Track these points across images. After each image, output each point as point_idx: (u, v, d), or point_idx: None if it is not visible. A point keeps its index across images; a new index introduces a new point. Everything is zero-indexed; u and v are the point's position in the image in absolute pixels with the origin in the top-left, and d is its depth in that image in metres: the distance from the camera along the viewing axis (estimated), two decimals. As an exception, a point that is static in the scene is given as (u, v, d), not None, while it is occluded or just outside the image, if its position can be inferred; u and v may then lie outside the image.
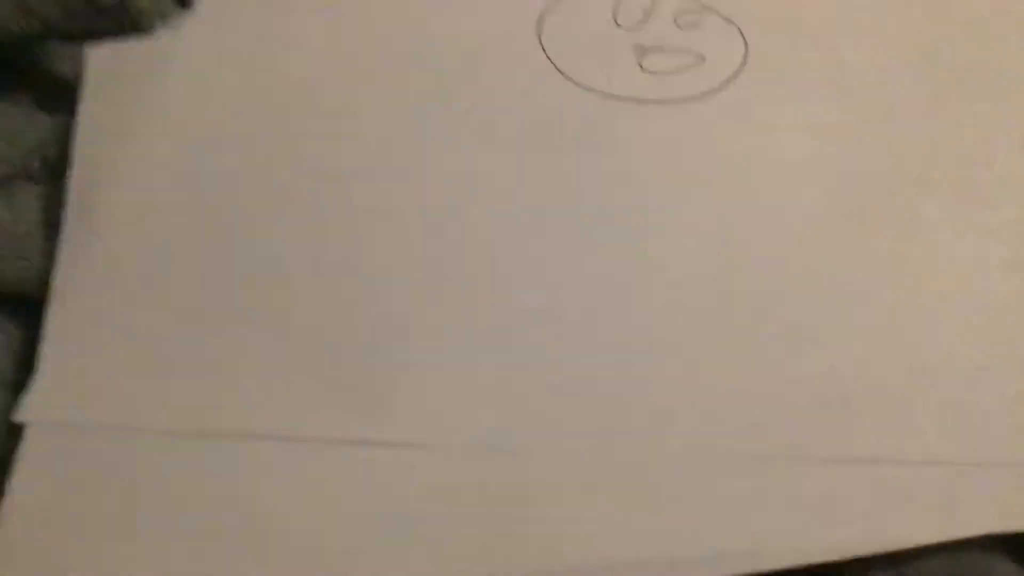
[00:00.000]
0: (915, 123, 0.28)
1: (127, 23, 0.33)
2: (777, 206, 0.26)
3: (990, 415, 0.22)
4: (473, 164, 0.28)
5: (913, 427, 0.22)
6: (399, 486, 0.22)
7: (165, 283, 0.25)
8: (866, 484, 0.21)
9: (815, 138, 0.28)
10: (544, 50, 0.30)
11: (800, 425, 0.22)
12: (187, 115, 0.29)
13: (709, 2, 0.32)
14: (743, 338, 0.24)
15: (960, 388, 0.23)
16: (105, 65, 0.30)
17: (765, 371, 0.23)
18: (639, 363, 0.23)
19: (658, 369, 0.23)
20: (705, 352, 0.24)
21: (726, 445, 0.22)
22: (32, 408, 0.22)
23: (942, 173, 0.27)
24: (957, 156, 0.27)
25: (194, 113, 0.29)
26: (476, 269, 0.25)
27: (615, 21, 0.31)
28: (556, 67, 0.30)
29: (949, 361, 0.23)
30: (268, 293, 0.25)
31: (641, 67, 0.30)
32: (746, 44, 0.31)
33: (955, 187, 0.27)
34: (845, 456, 0.22)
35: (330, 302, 0.24)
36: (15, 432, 0.25)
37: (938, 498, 0.21)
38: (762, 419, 0.22)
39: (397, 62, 0.30)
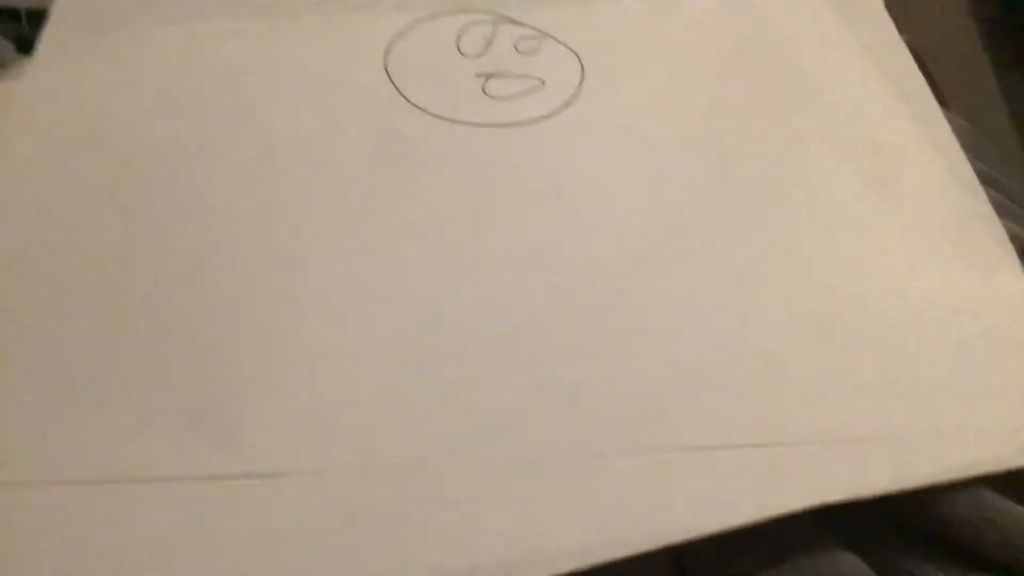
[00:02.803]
0: (738, 132, 0.30)
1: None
2: (616, 217, 0.28)
3: (794, 397, 0.24)
4: (319, 187, 0.28)
5: (736, 412, 0.24)
6: (262, 517, 0.22)
7: (17, 337, 0.24)
8: (692, 468, 0.23)
9: (649, 152, 0.30)
10: (390, 78, 0.31)
11: (631, 420, 0.24)
12: (32, 160, 0.28)
13: (546, 29, 0.33)
14: (581, 341, 0.25)
15: (774, 370, 0.25)
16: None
17: (603, 371, 0.24)
18: (483, 370, 0.24)
19: (502, 375, 0.24)
20: (548, 354, 0.25)
21: (569, 443, 0.23)
22: None
23: (764, 176, 0.29)
24: (775, 158, 0.30)
25: (38, 158, 0.28)
26: (320, 291, 0.26)
27: (459, 50, 0.33)
28: (402, 94, 0.31)
29: (766, 349, 0.25)
30: (115, 342, 0.24)
31: (485, 92, 0.31)
32: (582, 67, 0.32)
33: (776, 190, 0.29)
34: (673, 445, 0.23)
35: (179, 339, 0.24)
36: None
37: (757, 478, 0.23)
38: (597, 416, 0.24)
39: (241, 90, 0.30)
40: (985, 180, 0.29)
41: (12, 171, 0.28)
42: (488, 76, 0.32)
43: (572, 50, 0.33)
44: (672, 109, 0.31)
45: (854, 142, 0.30)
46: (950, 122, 0.31)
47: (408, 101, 0.31)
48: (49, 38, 0.31)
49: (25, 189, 0.27)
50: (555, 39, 0.33)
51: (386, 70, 0.32)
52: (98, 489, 0.22)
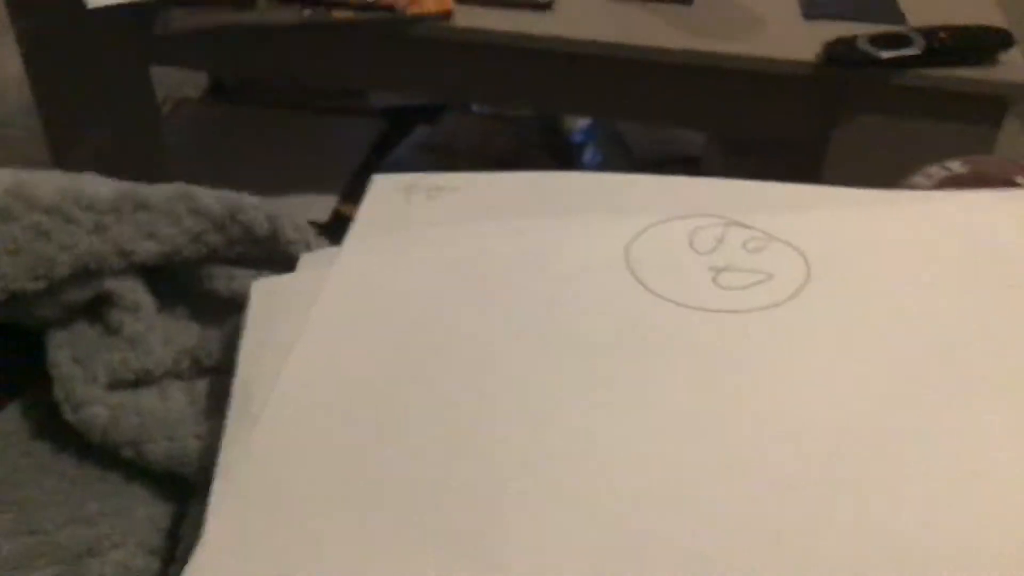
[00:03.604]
0: (961, 337, 0.32)
1: (277, 250, 0.39)
2: (838, 405, 0.30)
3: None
4: (571, 367, 0.32)
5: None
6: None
7: (313, 469, 0.29)
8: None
9: (870, 349, 0.32)
10: (631, 269, 0.35)
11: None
12: (334, 335, 0.34)
13: (772, 231, 0.37)
14: (814, 520, 0.27)
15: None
16: (266, 290, 0.35)
17: (841, 539, 0.26)
18: (721, 530, 0.26)
19: (740, 536, 0.26)
20: (780, 525, 0.26)
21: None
22: (200, 572, 0.26)
23: (986, 382, 0.30)
24: (1003, 368, 0.31)
25: (339, 333, 0.34)
26: (574, 452, 0.29)
27: (692, 247, 0.36)
28: (641, 283, 0.35)
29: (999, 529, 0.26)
30: (399, 475, 0.29)
31: (716, 283, 0.35)
32: (807, 264, 0.35)
33: (999, 397, 0.30)
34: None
35: (455, 481, 0.28)
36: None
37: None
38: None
39: (508, 291, 0.35)
40: None
41: (321, 341, 0.34)
42: (719, 270, 0.35)
43: (797, 249, 0.36)
44: (898, 309, 0.33)
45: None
46: None
47: (647, 289, 0.35)
48: (354, 234, 0.38)
49: (332, 355, 0.33)
50: (780, 240, 0.36)
51: (627, 263, 0.36)
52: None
